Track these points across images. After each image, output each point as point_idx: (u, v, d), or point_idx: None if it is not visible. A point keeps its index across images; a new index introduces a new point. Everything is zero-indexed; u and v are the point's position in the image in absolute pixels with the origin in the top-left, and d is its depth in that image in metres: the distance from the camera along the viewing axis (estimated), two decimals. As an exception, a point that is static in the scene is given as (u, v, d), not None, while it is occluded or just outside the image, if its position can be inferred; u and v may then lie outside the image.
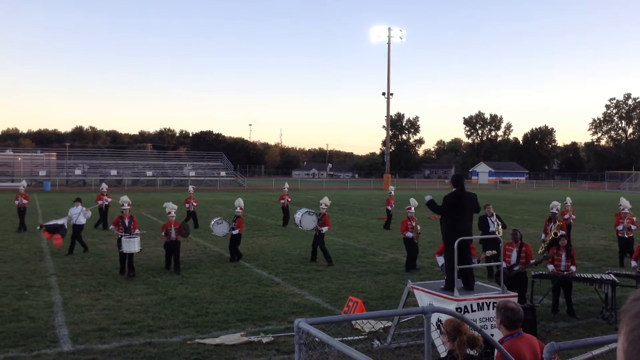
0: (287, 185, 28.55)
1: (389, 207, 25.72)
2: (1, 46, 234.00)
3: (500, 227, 14.48)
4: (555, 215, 15.44)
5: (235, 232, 15.92)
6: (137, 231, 14.33)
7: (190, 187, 27.61)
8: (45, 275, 13.85)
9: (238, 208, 16.56)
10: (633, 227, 15.82)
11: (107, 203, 23.81)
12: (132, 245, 13.72)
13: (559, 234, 13.98)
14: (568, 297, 10.82)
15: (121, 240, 13.84)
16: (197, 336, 9.09)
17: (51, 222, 16.54)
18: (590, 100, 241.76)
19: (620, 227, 15.86)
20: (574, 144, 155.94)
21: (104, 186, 25.11)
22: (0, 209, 33.21)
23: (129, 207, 15.16)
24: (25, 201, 22.66)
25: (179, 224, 14.87)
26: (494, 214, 14.82)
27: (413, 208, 15.95)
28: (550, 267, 11.08)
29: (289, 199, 26.23)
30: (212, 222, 16.37)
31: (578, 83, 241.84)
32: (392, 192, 27.15)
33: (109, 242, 19.60)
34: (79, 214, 18.03)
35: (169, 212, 14.85)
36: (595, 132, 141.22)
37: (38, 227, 17.17)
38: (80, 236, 17.83)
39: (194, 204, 24.53)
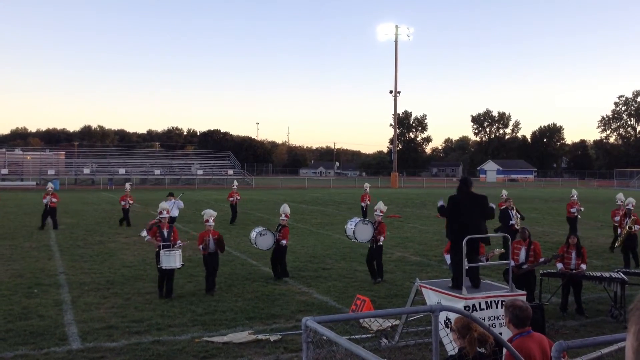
0: (236, 183, 28.30)
1: (363, 204, 25.90)
2: (9, 46, 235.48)
3: (519, 219, 16.08)
4: (631, 211, 15.89)
5: (283, 242, 13.69)
6: (178, 242, 12.31)
7: (127, 185, 26.90)
8: (54, 274, 13.92)
9: (283, 215, 14.20)
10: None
11: (51, 203, 23.05)
12: (172, 259, 11.69)
13: (634, 228, 15.25)
14: (577, 295, 10.77)
15: (159, 254, 11.82)
16: (205, 334, 9.11)
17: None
18: (599, 98, 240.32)
19: (617, 219, 17.23)
20: (582, 142, 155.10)
21: (50, 185, 24.88)
22: (10, 207, 33.43)
23: (167, 216, 12.71)
24: None
25: (218, 235, 12.70)
26: (514, 207, 16.38)
27: None
28: (559, 265, 11.03)
29: (238, 197, 26.13)
30: (254, 233, 13.76)
31: (587, 80, 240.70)
32: (367, 189, 27.22)
33: (117, 241, 19.71)
34: (173, 207, 19.05)
35: (207, 220, 12.55)
36: (604, 130, 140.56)
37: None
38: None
39: (130, 202, 24.32)
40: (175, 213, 19.45)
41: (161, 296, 11.53)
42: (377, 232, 13.39)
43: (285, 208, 14.36)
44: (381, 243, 13.50)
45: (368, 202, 26.19)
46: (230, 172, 78.27)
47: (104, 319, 9.97)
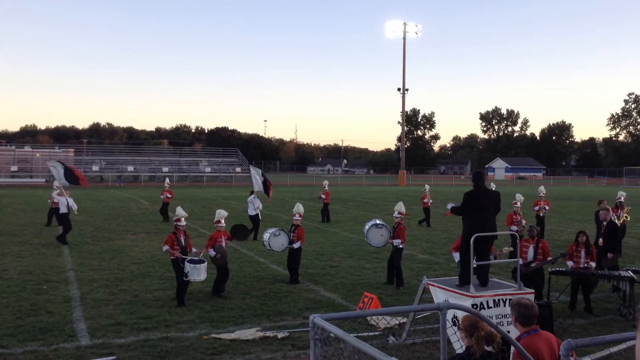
0: (167, 180, 27.81)
1: (323, 199, 26.14)
2: (19, 43, 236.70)
3: (617, 220, 15.93)
4: (622, 204, 17.36)
5: (296, 245, 13.01)
6: (197, 252, 11.56)
7: (56, 183, 26.58)
8: (63, 270, 14.00)
9: (297, 215, 13.46)
10: (547, 207, 20.90)
11: None
12: (200, 273, 11.03)
13: (629, 218, 17.26)
14: (586, 294, 10.71)
15: (183, 265, 10.93)
16: (213, 331, 9.14)
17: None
18: (608, 95, 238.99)
19: (537, 208, 20.71)
20: (591, 140, 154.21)
21: None
22: (20, 204, 33.66)
23: (185, 223, 11.70)
24: None
25: (229, 236, 12.32)
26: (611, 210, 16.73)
27: (519, 203, 16.50)
28: (570, 263, 10.97)
29: (169, 195, 25.77)
30: (267, 234, 13.03)
31: (596, 78, 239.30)
32: (326, 186, 27.28)
33: (125, 238, 19.80)
34: (252, 203, 20.31)
35: (218, 221, 12.04)
36: (614, 128, 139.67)
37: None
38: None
39: (56, 200, 22.87)
40: (251, 211, 20.28)
41: (181, 305, 10.72)
42: (395, 235, 12.85)
43: (299, 207, 13.68)
44: (399, 246, 12.86)
45: (322, 196, 26.31)
46: (238, 169, 78.40)
47: (113, 315, 10.01)
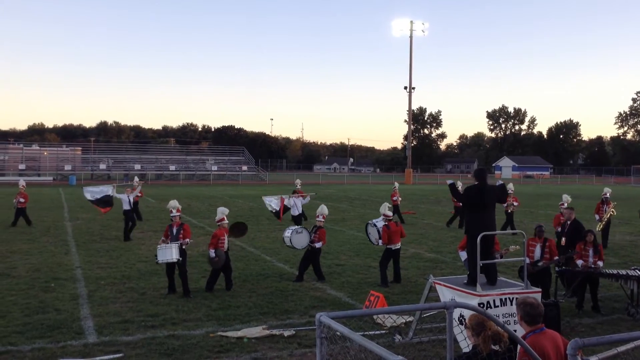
0: (136, 179, 27.29)
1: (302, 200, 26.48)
2: (27, 42, 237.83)
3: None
4: (608, 199, 18.84)
5: (318, 244, 12.93)
6: (186, 240, 11.80)
7: (21, 181, 25.01)
8: (71, 268, 14.07)
9: (320, 216, 13.28)
10: (515, 204, 22.56)
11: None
12: (167, 253, 11.28)
13: (615, 213, 18.61)
14: (594, 293, 10.67)
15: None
16: (219, 329, 9.16)
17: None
18: (616, 94, 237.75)
19: (505, 205, 21.29)
20: (599, 138, 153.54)
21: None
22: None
23: (178, 214, 12.21)
24: None
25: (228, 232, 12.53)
26: None
27: (566, 204, 16.44)
28: (580, 262, 10.91)
29: (140, 194, 25.30)
30: (290, 231, 13.07)
31: (604, 76, 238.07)
32: (299, 185, 27.50)
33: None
34: (295, 204, 20.84)
35: (222, 219, 12.26)
36: (622, 126, 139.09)
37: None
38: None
39: (21, 200, 22.95)
40: (295, 212, 20.25)
41: (169, 292, 11.44)
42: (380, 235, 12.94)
43: (323, 209, 13.56)
44: (390, 248, 12.91)
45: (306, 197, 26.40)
46: (245, 167, 78.52)
47: (120, 313, 10.06)
